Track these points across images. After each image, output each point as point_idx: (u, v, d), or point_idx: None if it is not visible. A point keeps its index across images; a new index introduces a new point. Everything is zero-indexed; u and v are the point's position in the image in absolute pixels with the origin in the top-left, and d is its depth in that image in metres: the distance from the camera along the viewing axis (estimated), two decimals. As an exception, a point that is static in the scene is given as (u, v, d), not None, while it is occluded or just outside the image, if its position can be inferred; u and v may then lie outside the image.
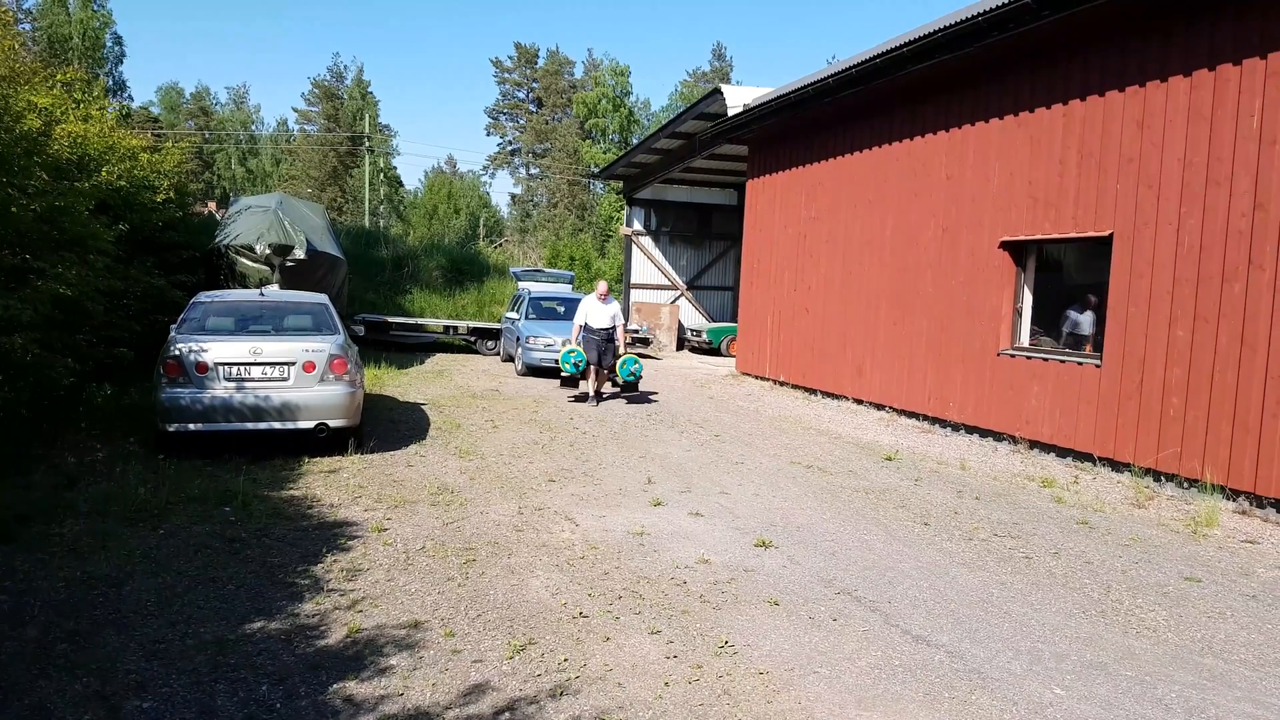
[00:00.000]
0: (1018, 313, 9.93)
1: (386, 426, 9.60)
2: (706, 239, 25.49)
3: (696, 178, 23.80)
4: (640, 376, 12.69)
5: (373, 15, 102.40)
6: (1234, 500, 7.33)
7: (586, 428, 10.25)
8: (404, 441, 8.88)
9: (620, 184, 27.11)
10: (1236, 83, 7.29)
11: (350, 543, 5.60)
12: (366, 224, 44.05)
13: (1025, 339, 9.89)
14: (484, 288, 24.80)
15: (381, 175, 55.97)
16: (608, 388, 12.87)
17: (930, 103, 11.09)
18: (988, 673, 4.07)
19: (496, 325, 19.36)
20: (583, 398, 12.50)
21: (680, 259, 25.47)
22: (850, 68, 11.53)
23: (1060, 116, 9.10)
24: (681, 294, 25.32)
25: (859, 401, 12.59)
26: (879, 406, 12.12)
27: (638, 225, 25.11)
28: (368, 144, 52.08)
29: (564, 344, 13.08)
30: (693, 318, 25.17)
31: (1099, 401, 8.60)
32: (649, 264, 25.20)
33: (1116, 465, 8.46)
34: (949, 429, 10.75)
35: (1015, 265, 9.91)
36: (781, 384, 14.85)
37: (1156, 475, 8.03)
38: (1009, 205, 9.79)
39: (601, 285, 12.45)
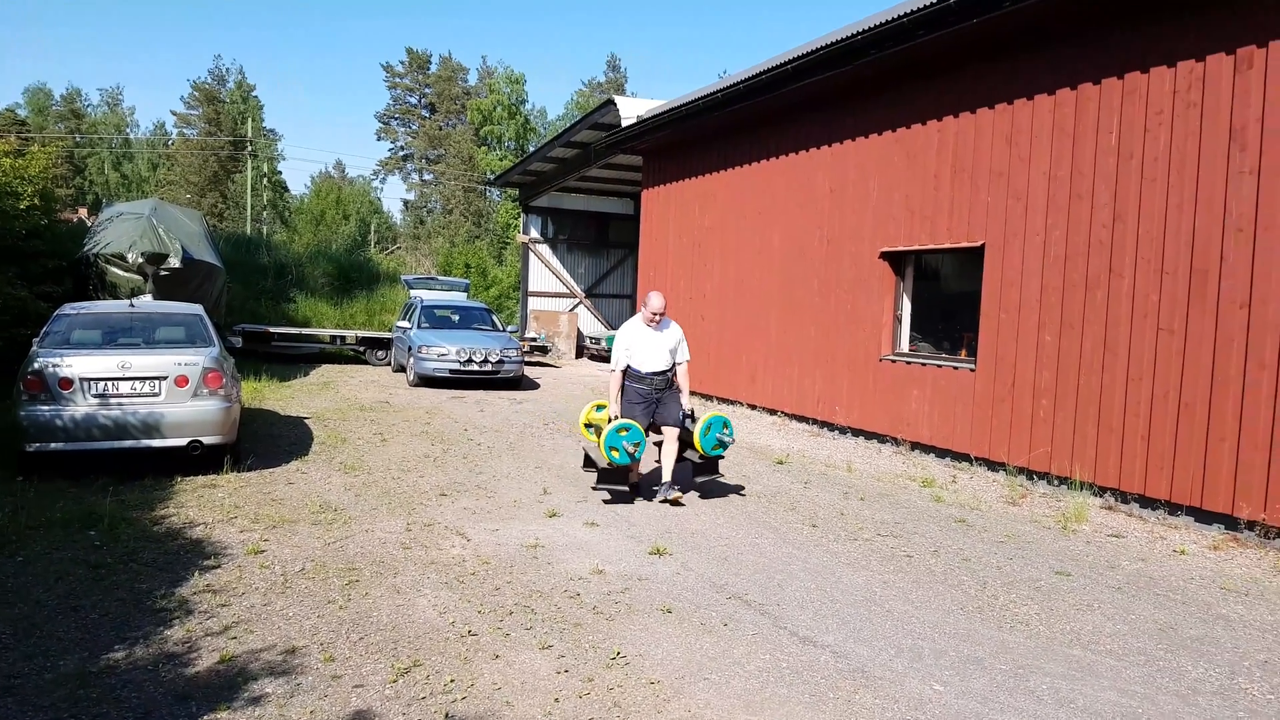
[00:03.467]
0: (898, 320, 10.29)
1: (266, 442, 9.23)
2: (604, 247, 25.57)
3: (593, 186, 23.85)
4: (731, 442, 7.46)
5: (257, 17, 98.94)
6: (1101, 496, 7.76)
7: (482, 439, 10.10)
8: (284, 458, 8.55)
9: (517, 191, 26.92)
10: (1096, 101, 7.74)
11: (224, 565, 5.34)
12: (249, 231, 42.42)
13: (905, 345, 10.26)
14: (375, 296, 24.19)
15: (265, 180, 54.02)
16: (667, 469, 7.37)
17: (814, 118, 11.41)
18: (871, 671, 4.18)
19: (387, 334, 18.90)
20: (624, 495, 7.35)
21: (578, 267, 25.46)
22: (738, 83, 11.76)
23: (935, 133, 9.49)
24: (580, 302, 25.30)
25: (753, 407, 12.81)
26: (772, 411, 12.36)
27: (535, 233, 24.99)
28: (250, 148, 50.21)
29: (608, 416, 7.42)
30: (592, 325, 25.19)
31: (974, 404, 8.99)
32: (547, 272, 25.11)
33: (992, 465, 8.85)
34: (837, 432, 11.04)
35: (895, 275, 10.27)
36: (677, 391, 14.97)
37: (1029, 474, 8.43)
38: (888, 217, 10.14)
39: (655, 299, 7.30)
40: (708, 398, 14.00)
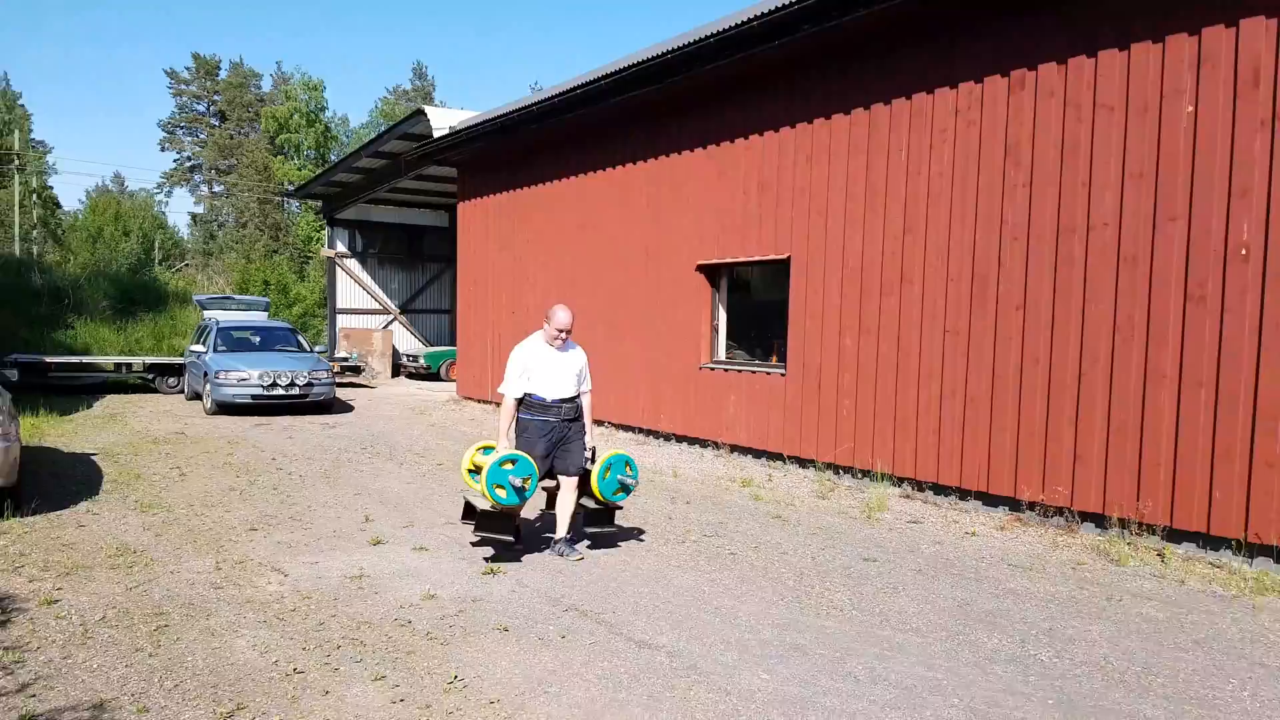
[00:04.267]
0: (715, 330, 10.69)
1: (50, 483, 8.36)
2: (419, 261, 24.95)
3: (405, 198, 23.24)
4: (635, 485, 6.35)
5: (25, 19, 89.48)
6: (900, 486, 8.38)
7: (293, 468, 9.59)
8: (73, 499, 7.77)
9: (319, 204, 25.79)
10: (888, 121, 8.38)
11: (14, 619, 4.80)
12: (17, 252, 38.23)
13: (723, 353, 10.67)
14: (163, 318, 22.46)
15: (35, 196, 48.89)
16: (564, 520, 6.30)
17: (632, 132, 11.68)
18: (704, 667, 4.32)
19: (180, 360, 17.61)
20: (509, 546, 6.24)
21: (391, 282, 24.71)
22: (554, 96, 11.86)
23: (744, 150, 9.95)
24: (395, 318, 24.57)
25: (576, 419, 12.89)
26: (599, 423, 12.48)
27: (341, 247, 24.03)
28: (18, 162, 45.31)
29: (490, 448, 6.45)
30: (408, 343, 24.51)
31: (785, 407, 9.48)
32: (356, 288, 24.20)
33: (803, 462, 9.36)
34: (662, 439, 11.32)
35: (711, 286, 10.67)
36: (499, 406, 14.84)
37: (836, 469, 8.98)
38: (703, 231, 10.53)
39: (562, 314, 6.20)
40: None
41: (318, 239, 36.99)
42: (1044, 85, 7.11)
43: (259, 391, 13.91)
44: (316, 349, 18.07)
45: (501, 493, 5.72)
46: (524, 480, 5.73)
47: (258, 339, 16.01)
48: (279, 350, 15.63)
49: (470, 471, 6.47)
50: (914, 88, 8.12)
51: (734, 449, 10.26)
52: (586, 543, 6.47)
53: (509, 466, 5.74)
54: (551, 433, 6.12)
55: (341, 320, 23.78)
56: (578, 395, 6.30)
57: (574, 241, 12.92)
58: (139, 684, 4.05)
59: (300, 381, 14.22)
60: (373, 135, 20.47)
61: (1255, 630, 4.92)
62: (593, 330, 12.51)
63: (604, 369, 12.20)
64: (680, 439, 11.03)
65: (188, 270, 41.62)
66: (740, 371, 10.12)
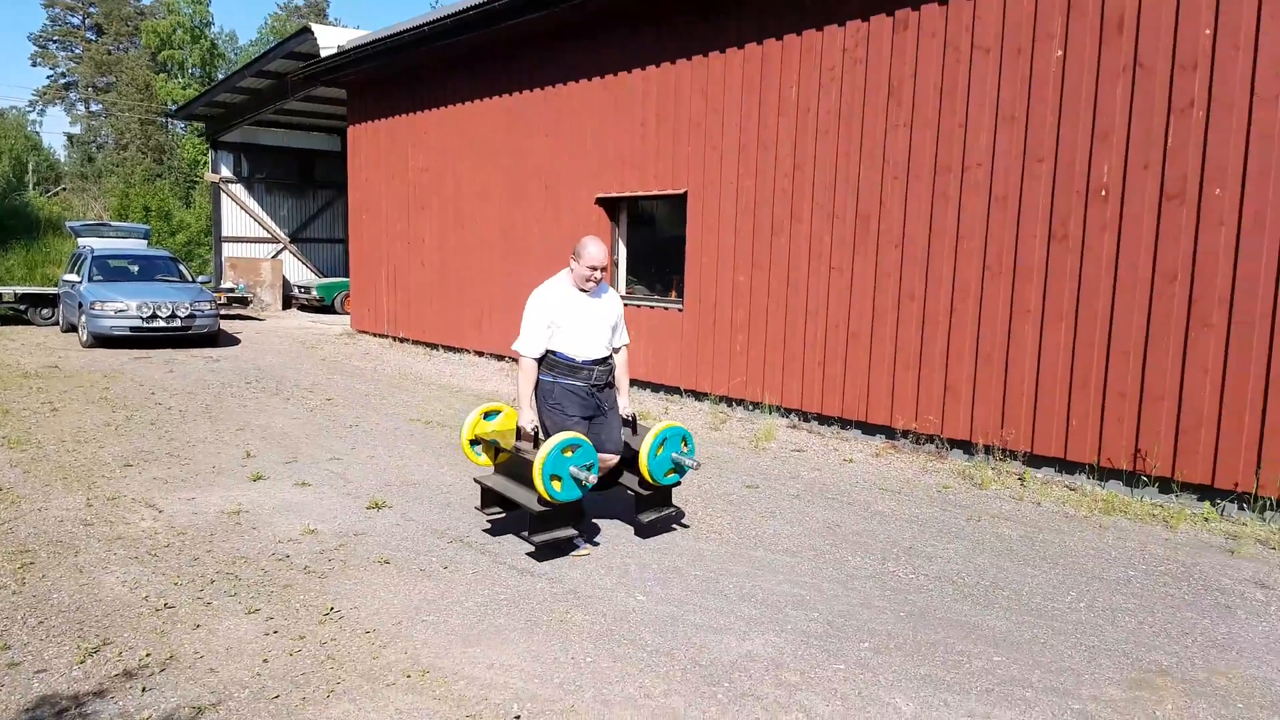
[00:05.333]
0: (615, 264, 10.70)
1: (-96, 418, 7.90)
2: (310, 187, 24.02)
3: (294, 120, 22.22)
4: (693, 466, 5.24)
5: None
6: (787, 417, 8.66)
7: (172, 403, 9.29)
8: (-70, 435, 7.38)
9: (203, 125, 24.47)
10: (779, 57, 8.41)
11: None
12: None
13: (623, 288, 10.71)
14: (36, 246, 21.14)
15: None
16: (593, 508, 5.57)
17: (528, 59, 11.40)
18: (583, 592, 4.46)
19: (53, 290, 16.67)
20: (566, 544, 5.00)
21: (280, 209, 23.75)
22: (447, 17, 11.45)
23: (640, 81, 9.86)
24: (285, 247, 23.70)
25: (480, 354, 12.80)
26: (499, 357, 12.44)
27: (226, 171, 22.94)
28: None
29: (515, 428, 5.16)
30: (300, 273, 23.72)
31: (682, 341, 9.62)
32: (243, 214, 23.20)
33: (699, 395, 9.56)
34: (558, 373, 11.35)
35: (611, 220, 10.64)
36: (401, 340, 14.61)
37: (729, 401, 9.21)
38: (601, 164, 10.45)
39: (596, 249, 4.95)
40: (433, 346, 13.80)
41: (203, 163, 35.17)
42: (926, 26, 7.24)
43: (138, 323, 13.33)
44: (200, 279, 17.35)
45: (559, 486, 4.62)
46: (586, 471, 4.64)
47: (137, 269, 15.29)
48: (159, 280, 14.97)
49: (472, 443, 5.37)
50: (805, 24, 8.15)
51: (633, 383, 10.37)
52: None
53: (570, 454, 4.63)
54: (586, 402, 4.96)
55: (228, 249, 22.82)
56: (611, 355, 5.12)
57: (470, 169, 12.65)
58: (1, 623, 3.95)
59: (182, 313, 13.68)
60: (258, 54, 19.33)
61: (1099, 547, 5.34)
62: (489, 263, 12.38)
63: (502, 303, 12.11)
64: (577, 372, 11.10)
65: (64, 195, 39.09)
66: (640, 306, 10.19)
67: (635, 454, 5.13)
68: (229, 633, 3.94)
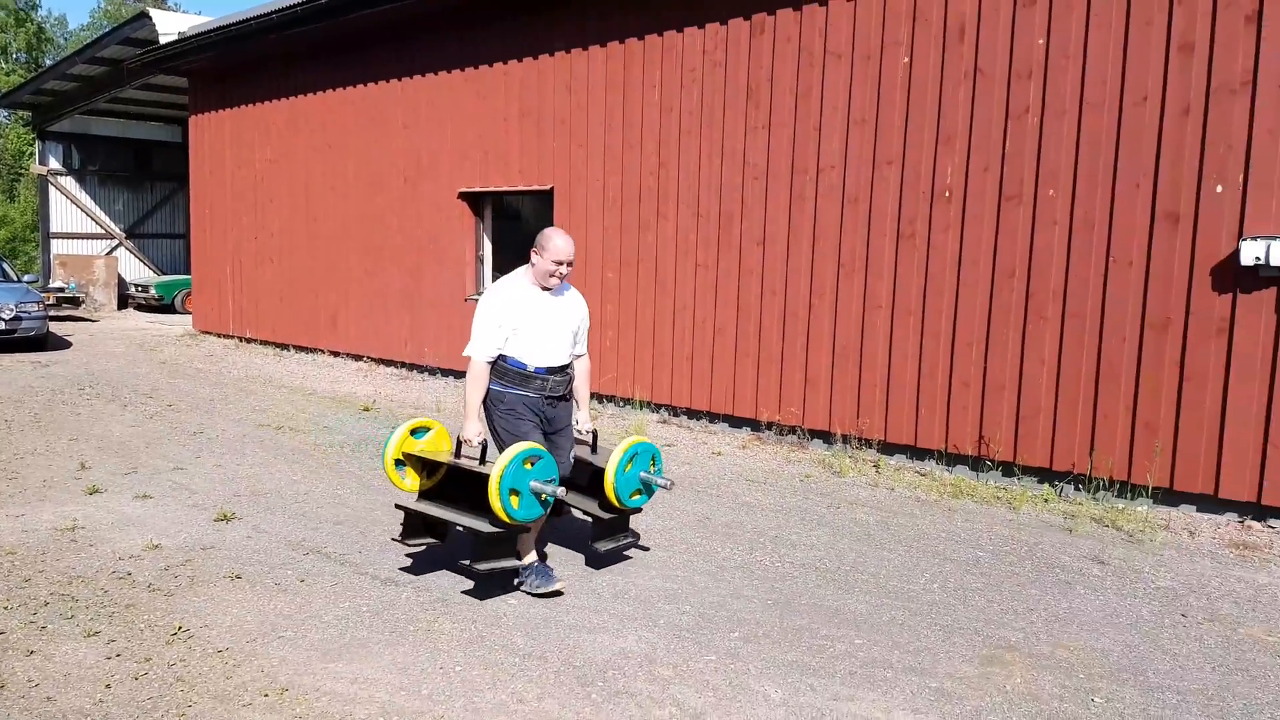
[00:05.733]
0: (480, 260, 10.52)
1: None
2: (148, 180, 22.49)
3: (131, 110, 20.75)
4: (665, 486, 4.70)
5: None
6: (658, 412, 8.74)
7: (-5, 411, 8.51)
8: None
9: (29, 114, 22.55)
10: (642, 57, 8.46)
11: None
12: None
13: (488, 284, 10.54)
14: None
15: None
16: (530, 537, 4.51)
17: (386, 49, 11.04)
18: (451, 598, 4.34)
19: None
20: (547, 578, 4.41)
21: (115, 203, 22.14)
22: (296, 5, 10.94)
23: (502, 75, 9.71)
24: (120, 244, 22.12)
25: (335, 354, 12.32)
26: (357, 357, 12.01)
27: (55, 163, 21.21)
28: None
29: (452, 443, 4.50)
30: (137, 271, 22.19)
31: (549, 338, 9.54)
32: (74, 209, 21.51)
33: (566, 393, 9.50)
34: (427, 374, 11.07)
35: (474, 215, 10.45)
36: (249, 341, 13.89)
37: (601, 398, 9.21)
38: (464, 157, 10.24)
39: (564, 243, 4.36)
40: (283, 347, 13.18)
41: (29, 154, 32.41)
42: (781, 30, 7.44)
43: (-47, 327, 12.15)
44: (27, 278, 15.98)
45: (517, 503, 4.04)
46: (549, 484, 4.13)
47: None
48: (-22, 280, 13.70)
49: (398, 462, 4.59)
50: (666, 25, 8.23)
51: (497, 381, 10.23)
52: (542, 583, 4.39)
53: (530, 466, 4.08)
54: (539, 414, 4.41)
55: (57, 246, 21.10)
56: (570, 363, 4.54)
57: (323, 163, 12.15)
58: None
59: (6, 315, 12.56)
60: (91, 39, 17.92)
61: (949, 530, 5.62)
62: (345, 259, 11.93)
63: (360, 301, 11.71)
64: (446, 373, 10.85)
65: None
66: (502, 303, 10.04)
67: (597, 471, 4.58)
68: (67, 658, 3.62)
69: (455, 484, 4.53)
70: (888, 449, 7.18)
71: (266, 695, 3.41)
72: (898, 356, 7.00)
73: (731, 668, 3.70)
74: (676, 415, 8.61)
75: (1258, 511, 5.67)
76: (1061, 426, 6.29)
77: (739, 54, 7.74)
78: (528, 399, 4.38)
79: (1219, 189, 5.57)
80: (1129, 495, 6.07)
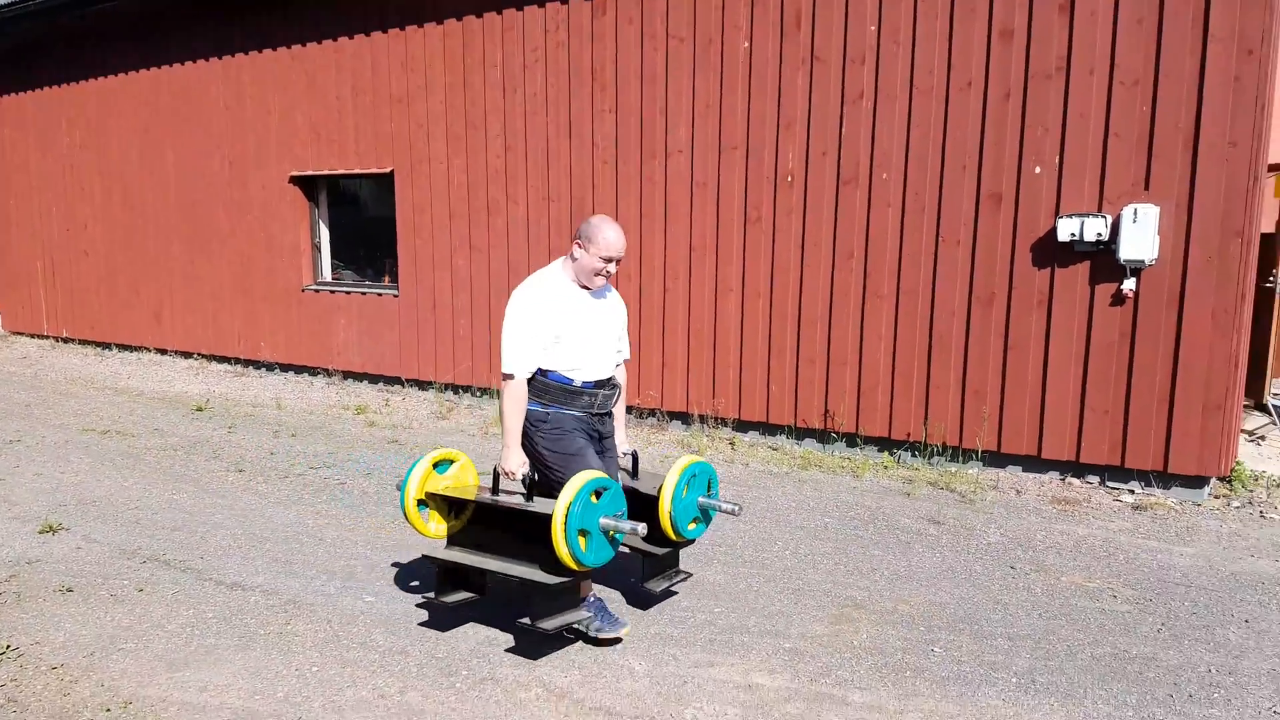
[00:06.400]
0: (317, 248, 10.08)
1: None
2: (-62, 170, 20.32)
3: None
4: (730, 511, 3.99)
5: None
6: (512, 401, 8.64)
7: None
8: None
9: None
10: (481, 35, 8.29)
11: None
12: None
13: (328, 273, 10.13)
14: None
15: None
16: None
17: (202, 27, 10.34)
18: (304, 600, 4.18)
19: None
20: (612, 625, 3.77)
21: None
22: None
23: (333, 53, 9.30)
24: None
25: (162, 352, 11.53)
26: (186, 355, 11.29)
27: None
28: None
29: (520, 469, 3.69)
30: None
31: (400, 328, 9.29)
32: None
33: (422, 384, 9.29)
34: (264, 370, 10.54)
35: (309, 200, 10.00)
36: (67, 340, 12.82)
37: (457, 389, 9.03)
38: (295, 140, 9.77)
39: (609, 232, 3.60)
40: (105, 346, 12.24)
41: None
42: (623, 12, 7.46)
43: None
44: None
45: (585, 544, 3.39)
46: (618, 520, 3.47)
47: None
48: None
49: (420, 503, 3.84)
50: (505, 2, 8.08)
51: (347, 375, 9.87)
52: (607, 627, 3.76)
53: (598, 499, 3.44)
54: (588, 434, 3.81)
55: None
56: (614, 375, 3.94)
57: (141, 147, 11.29)
58: None
59: None
60: None
61: (799, 500, 5.86)
62: (169, 249, 11.18)
63: (187, 294, 11.00)
64: (285, 368, 10.37)
65: None
66: (349, 293, 9.69)
67: (641, 498, 3.98)
68: None
69: (492, 524, 3.80)
70: (742, 426, 7.40)
71: (109, 710, 3.19)
72: (749, 337, 7.21)
73: (596, 647, 3.73)
74: (534, 402, 8.55)
75: (1077, 469, 6.20)
76: (899, 398, 6.66)
77: (582, 35, 7.72)
78: (576, 418, 3.73)
79: (1037, 170, 6.01)
80: (961, 459, 6.50)
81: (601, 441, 3.88)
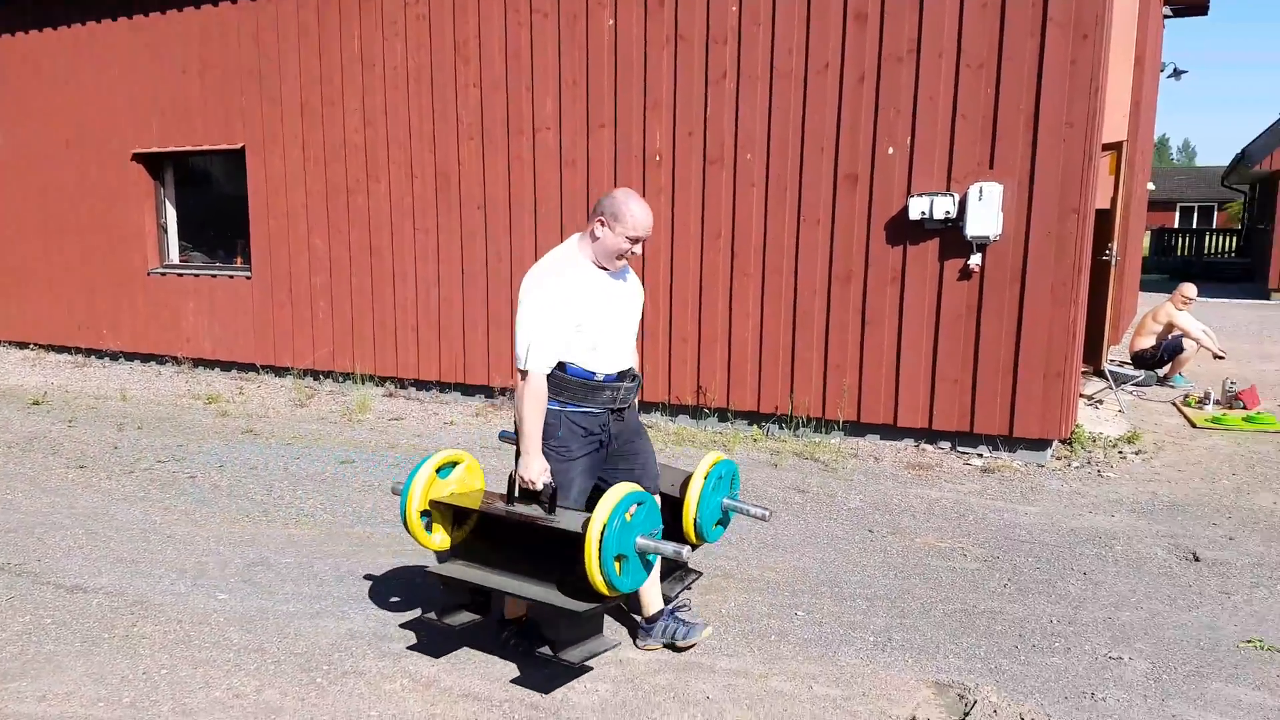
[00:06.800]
0: (163, 229, 9.49)
1: None
2: None
3: None
4: (757, 515, 3.70)
5: None
6: (383, 386, 8.40)
7: None
8: None
9: None
10: (338, 7, 7.94)
11: None
12: None
13: (175, 256, 9.55)
14: None
15: None
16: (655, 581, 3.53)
17: (27, -8, 9.54)
18: (152, 600, 3.93)
19: None
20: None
21: None
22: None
23: (179, 24, 8.73)
24: None
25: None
26: (22, 345, 10.45)
27: None
28: None
29: (542, 474, 3.16)
30: None
31: (255, 313, 8.85)
32: None
33: (279, 371, 8.89)
34: (108, 359, 9.87)
35: (154, 179, 9.39)
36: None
37: (316, 374, 8.69)
38: (138, 116, 9.14)
39: (636, 208, 3.19)
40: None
41: None
42: (480, -15, 7.31)
43: None
44: None
45: (621, 567, 2.98)
46: (662, 542, 3.06)
47: None
48: None
49: (423, 514, 3.36)
50: (366, -26, 7.79)
51: (198, 363, 9.35)
52: (691, 631, 3.49)
53: (635, 513, 3.01)
54: (599, 436, 3.35)
55: None
56: (633, 364, 3.47)
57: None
58: None
59: None
60: None
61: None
62: (11, 229, 10.29)
63: (26, 279, 10.17)
64: (131, 357, 9.73)
65: None
66: (199, 276, 9.16)
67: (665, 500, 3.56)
68: None
69: (504, 538, 3.37)
70: (614, 405, 7.41)
71: (-84, 738, 2.92)
72: (619, 315, 7.21)
73: (466, 631, 3.66)
74: (404, 387, 8.33)
75: (930, 436, 6.50)
76: (766, 373, 6.82)
77: (443, 7, 7.49)
78: (592, 417, 3.29)
79: (890, 151, 6.23)
80: (825, 430, 6.72)
81: (619, 437, 3.39)
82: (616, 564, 2.93)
